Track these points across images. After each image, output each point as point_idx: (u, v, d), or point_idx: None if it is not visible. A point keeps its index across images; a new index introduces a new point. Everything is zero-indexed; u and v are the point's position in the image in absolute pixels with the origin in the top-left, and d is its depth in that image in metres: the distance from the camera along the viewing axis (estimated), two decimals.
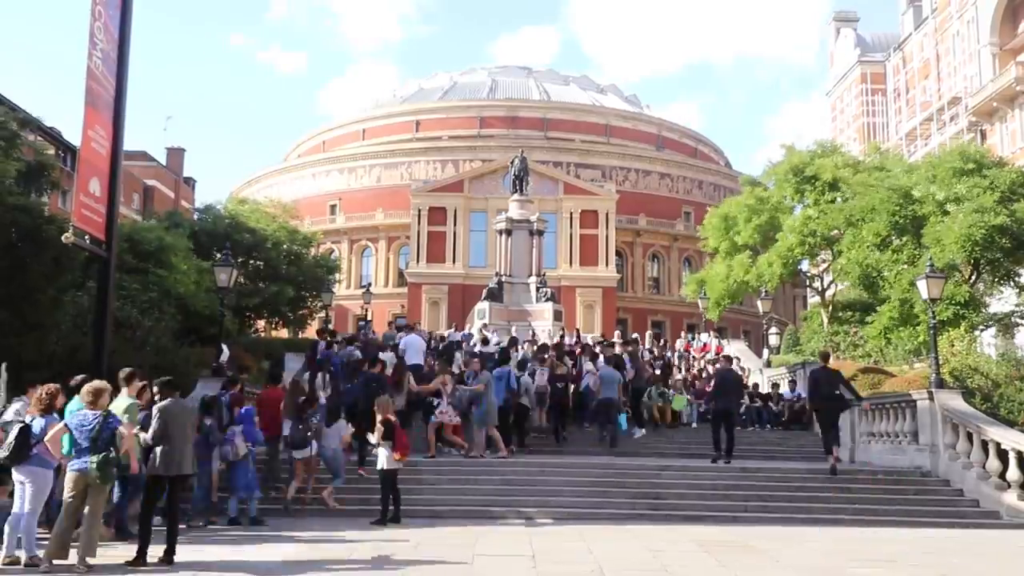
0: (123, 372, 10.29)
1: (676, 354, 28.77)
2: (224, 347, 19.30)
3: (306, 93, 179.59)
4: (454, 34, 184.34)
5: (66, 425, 8.72)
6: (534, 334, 26.50)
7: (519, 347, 22.08)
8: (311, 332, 43.77)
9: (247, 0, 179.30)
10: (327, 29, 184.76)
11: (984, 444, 14.40)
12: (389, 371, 16.97)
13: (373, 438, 12.72)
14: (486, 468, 15.57)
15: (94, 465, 8.45)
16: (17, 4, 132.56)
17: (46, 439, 8.74)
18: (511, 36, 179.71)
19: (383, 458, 12.36)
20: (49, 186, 26.73)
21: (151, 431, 9.27)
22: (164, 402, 9.42)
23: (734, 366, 18.99)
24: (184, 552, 9.31)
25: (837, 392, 16.13)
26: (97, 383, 9.08)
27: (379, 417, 12.55)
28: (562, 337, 27.22)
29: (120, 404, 9.71)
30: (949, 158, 28.16)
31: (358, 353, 19.67)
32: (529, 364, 19.51)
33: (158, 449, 9.15)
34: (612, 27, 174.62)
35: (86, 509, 8.61)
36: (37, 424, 9.07)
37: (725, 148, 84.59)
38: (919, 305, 23.31)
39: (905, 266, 26.02)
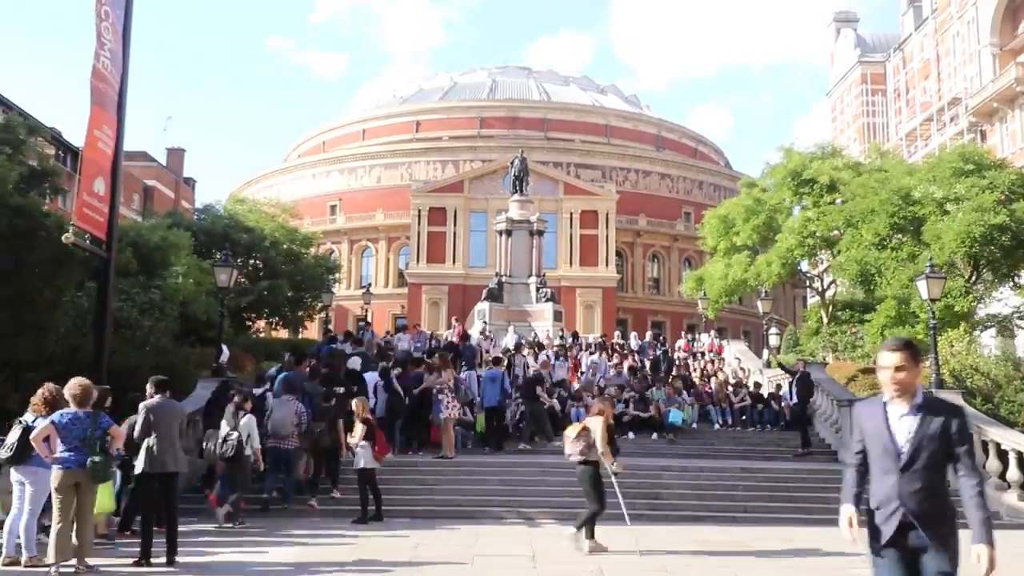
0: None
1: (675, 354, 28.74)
2: (224, 348, 19.30)
3: (346, 94, 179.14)
4: (492, 37, 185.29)
5: (53, 423, 8.59)
6: (535, 335, 26.50)
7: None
8: (311, 332, 43.86)
9: (289, 2, 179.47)
10: (368, 32, 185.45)
11: (984, 444, 14.41)
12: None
13: (353, 439, 12.68)
14: (486, 468, 15.58)
15: (88, 465, 8.44)
16: (14, 3, 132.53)
17: (31, 436, 8.59)
18: (550, 39, 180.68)
19: (363, 458, 12.41)
20: (51, 192, 26.65)
21: (136, 428, 9.32)
22: (150, 400, 9.49)
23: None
24: (185, 553, 9.31)
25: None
26: (81, 380, 8.88)
27: (358, 417, 12.58)
28: (562, 336, 27.25)
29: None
30: (949, 159, 28.14)
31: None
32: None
33: (143, 447, 9.18)
34: (647, 31, 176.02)
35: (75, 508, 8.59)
36: (40, 424, 9.03)
37: (753, 150, 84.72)
38: (916, 302, 23.28)
39: (904, 262, 25.95)
